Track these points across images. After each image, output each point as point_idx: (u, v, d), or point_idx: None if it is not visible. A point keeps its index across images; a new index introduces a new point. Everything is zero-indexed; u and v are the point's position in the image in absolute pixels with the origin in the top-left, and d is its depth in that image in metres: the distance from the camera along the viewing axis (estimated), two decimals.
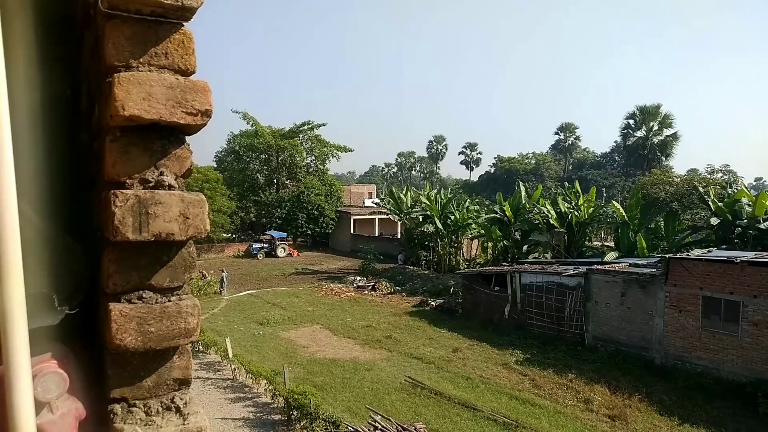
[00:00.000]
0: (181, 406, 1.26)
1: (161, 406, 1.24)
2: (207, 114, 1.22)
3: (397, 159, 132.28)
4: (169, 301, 1.22)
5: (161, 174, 1.20)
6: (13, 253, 0.93)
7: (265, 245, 42.96)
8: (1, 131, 0.94)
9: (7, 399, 0.92)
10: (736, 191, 26.08)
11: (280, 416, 13.10)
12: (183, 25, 1.26)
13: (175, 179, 1.22)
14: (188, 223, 1.19)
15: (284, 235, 44.56)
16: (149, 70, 1.18)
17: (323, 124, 53.84)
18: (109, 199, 1.12)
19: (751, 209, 22.70)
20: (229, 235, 47.12)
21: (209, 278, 30.67)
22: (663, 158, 68.92)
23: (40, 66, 1.51)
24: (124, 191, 1.13)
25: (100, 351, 1.31)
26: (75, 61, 2.00)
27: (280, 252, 42.36)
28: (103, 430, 1.23)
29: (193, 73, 1.27)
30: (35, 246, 1.27)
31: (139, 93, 1.14)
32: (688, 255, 18.35)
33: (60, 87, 1.95)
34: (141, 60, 1.19)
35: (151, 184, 1.18)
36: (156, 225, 1.14)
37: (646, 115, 69.33)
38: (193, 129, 1.25)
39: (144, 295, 1.19)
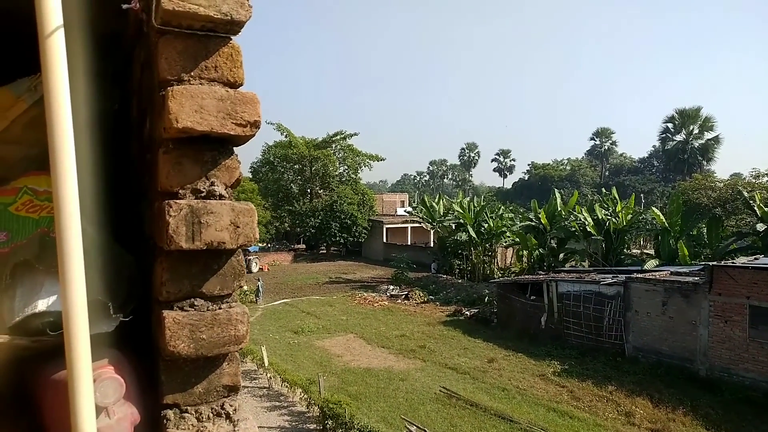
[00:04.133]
0: (231, 413, 1.27)
1: (212, 413, 1.26)
2: (256, 125, 1.25)
3: (428, 167, 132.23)
4: (220, 308, 1.24)
5: (212, 184, 1.23)
6: (76, 263, 0.96)
7: None
8: (64, 145, 0.98)
9: (70, 403, 0.95)
10: None
11: (315, 425, 13.16)
12: (231, 39, 1.29)
13: (225, 189, 1.25)
14: (238, 232, 1.21)
15: (256, 248, 42.86)
16: (200, 84, 1.22)
17: (355, 134, 54.34)
18: (163, 209, 1.15)
19: None
20: (264, 244, 47.82)
21: (245, 287, 31.15)
22: (704, 162, 66.73)
23: (92, 82, 1.57)
24: (177, 201, 1.16)
25: (152, 358, 1.34)
26: (123, 76, 2.07)
27: (253, 267, 39.69)
28: None
29: (242, 85, 1.30)
30: (90, 256, 1.31)
31: (192, 106, 1.17)
32: (733, 263, 17.68)
33: (109, 102, 2.02)
34: (192, 73, 1.23)
35: (202, 194, 1.21)
36: (208, 234, 1.17)
37: (685, 118, 67.34)
38: (242, 140, 1.27)
39: (195, 303, 1.22)
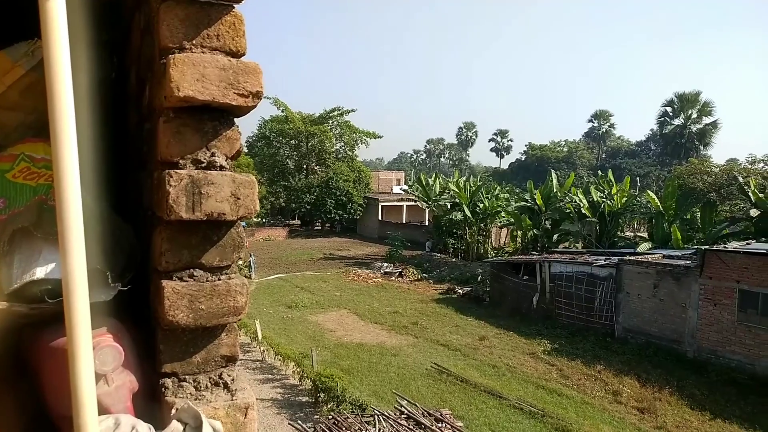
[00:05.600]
0: (229, 383, 1.29)
1: (210, 382, 1.27)
2: (258, 96, 1.23)
3: (426, 146, 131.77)
4: (219, 279, 1.24)
5: (213, 155, 1.21)
6: (76, 231, 0.96)
7: None
8: (65, 113, 0.96)
9: (70, 370, 0.96)
10: None
11: (307, 398, 13.34)
12: (234, 7, 1.27)
13: (225, 160, 1.24)
14: (239, 204, 1.20)
15: (244, 224, 42.63)
16: (202, 52, 1.20)
17: (353, 110, 53.91)
18: (163, 179, 1.14)
19: None
20: (259, 219, 47.79)
21: (240, 261, 31.19)
22: (701, 147, 66.78)
23: (91, 49, 1.54)
24: (178, 171, 1.15)
25: (150, 327, 1.35)
26: (120, 43, 2.04)
27: None
28: (154, 404, 1.27)
29: (244, 55, 1.28)
30: (89, 225, 1.30)
31: (194, 74, 1.15)
32: (725, 247, 17.83)
33: (106, 71, 1.99)
34: (194, 42, 1.20)
35: (203, 165, 1.20)
36: (208, 205, 1.16)
37: (684, 102, 67.15)
38: (243, 110, 1.26)
39: (195, 274, 1.22)
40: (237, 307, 1.25)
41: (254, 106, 1.25)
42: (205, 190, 1.16)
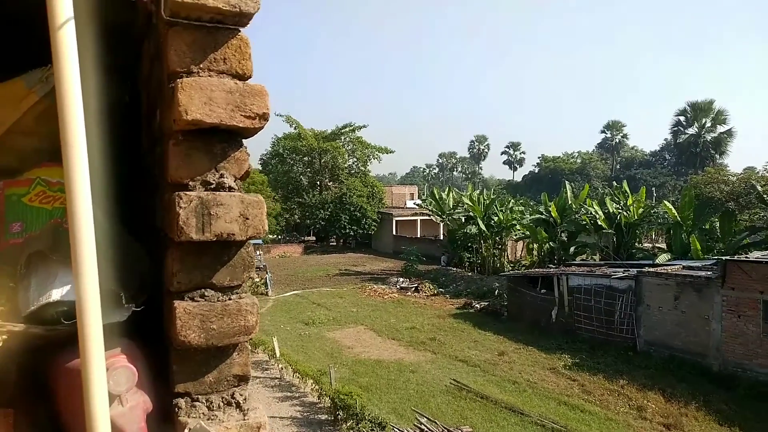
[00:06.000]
0: (241, 402, 1.29)
1: (222, 402, 1.28)
2: (264, 117, 1.25)
3: (438, 160, 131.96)
4: (230, 299, 1.25)
5: (221, 176, 1.24)
6: (89, 253, 0.98)
7: None
8: (76, 137, 0.99)
9: (84, 391, 0.97)
10: None
11: (326, 416, 13.25)
12: (240, 31, 1.29)
13: (234, 181, 1.26)
14: (248, 224, 1.22)
15: (258, 241, 39.24)
16: (209, 76, 1.22)
17: (364, 126, 54.23)
18: (173, 200, 1.16)
19: None
20: (275, 236, 48.06)
21: (257, 278, 31.32)
22: (717, 156, 65.89)
23: (102, 74, 1.58)
24: (187, 193, 1.17)
25: (163, 347, 1.36)
26: (133, 68, 2.09)
27: (257, 262, 37.18)
28: (167, 424, 1.27)
29: (250, 77, 1.31)
30: (103, 247, 1.33)
31: (201, 98, 1.18)
32: (746, 257, 17.49)
33: (118, 94, 2.04)
34: (201, 66, 1.23)
35: (212, 186, 1.22)
36: (218, 225, 1.18)
37: (698, 111, 66.47)
38: (251, 132, 1.28)
39: (206, 294, 1.23)
40: (248, 327, 1.26)
41: (261, 128, 1.27)
42: (214, 211, 1.18)
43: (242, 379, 1.32)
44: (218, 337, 1.22)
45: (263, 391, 14.87)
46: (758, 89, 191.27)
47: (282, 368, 16.03)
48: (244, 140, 1.34)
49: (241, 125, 1.22)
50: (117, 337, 1.25)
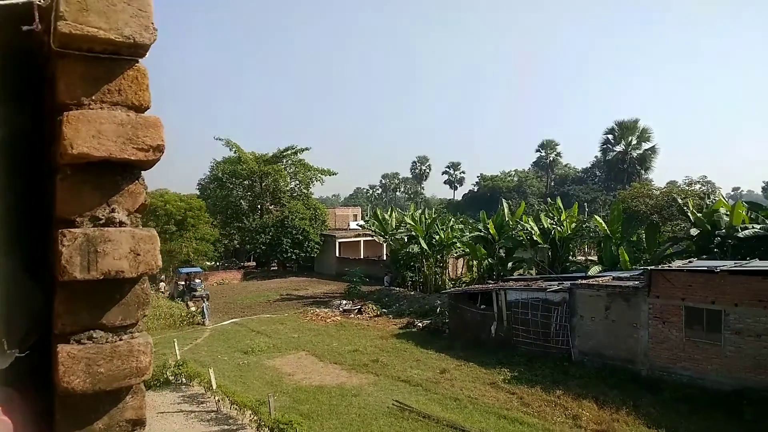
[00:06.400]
0: None
1: None
2: (159, 149, 1.22)
3: (381, 180, 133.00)
4: (121, 339, 1.20)
5: (113, 211, 1.19)
6: None
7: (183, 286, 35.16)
8: None
9: None
10: (714, 202, 26.58)
11: None
12: (138, 62, 1.27)
13: (127, 215, 1.21)
14: (139, 260, 1.18)
15: (198, 269, 38.03)
16: (101, 108, 1.19)
17: (307, 149, 54.05)
18: (56, 238, 1.11)
19: (728, 219, 23.11)
20: (213, 263, 46.64)
21: (193, 308, 30.18)
22: (643, 172, 70.26)
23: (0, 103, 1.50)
24: (72, 230, 1.12)
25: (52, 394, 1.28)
26: (38, 97, 1.99)
27: (200, 290, 33.56)
28: None
29: (148, 108, 1.28)
30: None
31: (89, 131, 1.14)
32: (669, 266, 18.54)
33: (20, 123, 1.93)
34: (93, 97, 1.19)
35: (101, 222, 1.17)
36: (105, 263, 1.13)
37: (624, 129, 70.81)
38: (146, 164, 1.25)
39: (94, 335, 1.17)
40: (140, 368, 1.21)
41: (157, 160, 1.24)
42: (101, 248, 1.13)
43: (137, 423, 1.26)
44: (107, 381, 1.16)
45: (198, 426, 14.24)
46: (679, 107, 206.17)
47: (219, 400, 15.41)
48: (143, 172, 1.31)
49: (133, 158, 1.19)
50: None
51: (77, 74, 1.19)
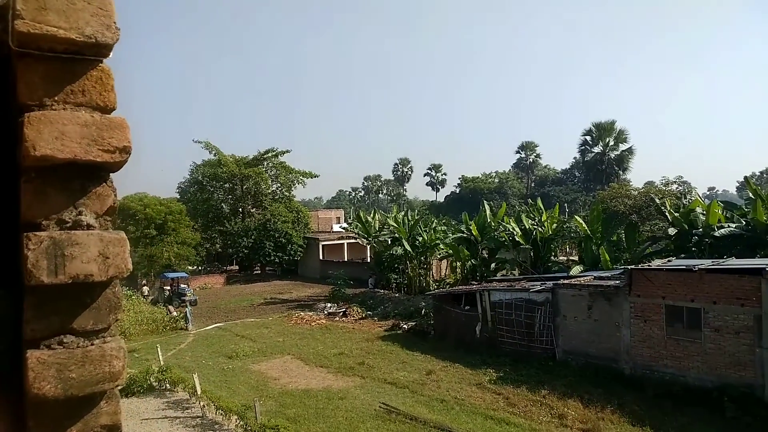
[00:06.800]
0: None
1: None
2: (126, 150, 1.20)
3: (363, 183, 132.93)
4: (92, 344, 1.17)
5: (80, 213, 1.16)
6: None
7: (167, 291, 34.58)
8: None
9: None
10: (690, 201, 27.05)
11: None
12: (102, 62, 1.24)
13: (95, 218, 1.19)
14: (108, 263, 1.15)
15: (184, 274, 37.36)
16: (64, 108, 1.16)
17: (288, 151, 53.93)
18: (22, 242, 1.08)
19: (705, 218, 23.54)
20: (195, 267, 46.17)
21: (174, 313, 29.85)
22: (620, 172, 71.23)
23: None
24: (37, 234, 1.09)
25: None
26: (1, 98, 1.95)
27: (189, 295, 33.32)
28: None
29: (114, 109, 1.25)
30: None
31: (51, 132, 1.11)
32: (649, 265, 18.82)
33: None
34: (56, 98, 1.17)
35: (68, 225, 1.14)
36: (73, 267, 1.11)
37: (602, 131, 71.71)
38: (113, 166, 1.22)
39: (65, 340, 1.15)
40: (114, 373, 1.18)
41: (124, 161, 1.21)
42: (69, 251, 1.10)
43: (112, 429, 1.23)
44: (79, 386, 1.13)
45: (184, 431, 14.07)
46: (654, 109, 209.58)
47: (204, 406, 15.25)
48: (111, 174, 1.28)
49: (99, 160, 1.16)
50: None
51: (38, 75, 1.16)
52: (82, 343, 1.16)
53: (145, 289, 37.44)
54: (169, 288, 34.82)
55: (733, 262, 17.13)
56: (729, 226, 22.59)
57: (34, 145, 1.08)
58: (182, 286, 34.70)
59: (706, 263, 17.13)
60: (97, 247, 1.14)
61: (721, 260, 18.01)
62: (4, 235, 1.79)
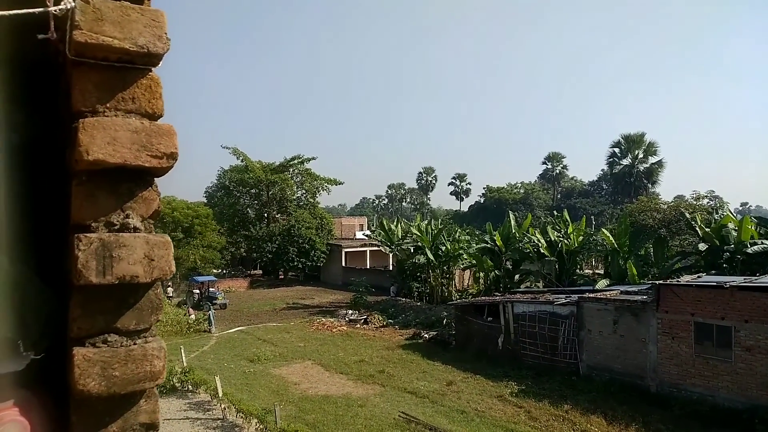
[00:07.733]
0: None
1: None
2: (173, 157, 1.24)
3: (387, 191, 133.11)
4: (135, 344, 1.21)
5: (127, 216, 1.21)
6: None
7: (195, 296, 35.11)
8: None
9: None
10: (722, 217, 26.39)
11: None
12: (151, 71, 1.29)
13: (141, 221, 1.23)
14: (153, 265, 1.19)
15: (212, 278, 37.99)
16: (116, 115, 1.21)
17: (313, 158, 54.37)
18: (72, 243, 1.13)
19: (737, 234, 22.93)
20: (220, 270, 46.78)
21: (193, 316, 30.18)
22: (649, 185, 69.98)
23: (15, 109, 1.53)
24: (88, 235, 1.14)
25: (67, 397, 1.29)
26: (53, 104, 2.02)
27: (221, 299, 34.56)
28: None
29: (161, 116, 1.30)
30: (3, 291, 1.27)
31: (104, 138, 1.15)
32: (678, 281, 18.39)
33: (35, 131, 1.96)
34: (108, 105, 1.22)
35: (116, 227, 1.19)
36: (120, 268, 1.15)
37: (631, 143, 70.60)
38: (159, 171, 1.26)
39: (109, 339, 1.18)
40: (154, 372, 1.22)
41: (170, 167, 1.25)
42: (116, 253, 1.14)
43: (150, 428, 1.26)
44: (121, 384, 1.17)
45: None
46: (685, 121, 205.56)
47: (225, 408, 15.40)
48: (156, 179, 1.32)
49: (147, 165, 1.20)
50: (12, 388, 1.18)
51: (92, 82, 1.21)
52: (125, 342, 1.20)
53: (170, 290, 38.04)
54: (198, 292, 35.36)
55: (767, 280, 16.63)
56: (763, 243, 21.96)
57: (88, 149, 1.13)
58: (212, 289, 35.24)
59: (738, 280, 16.67)
60: (143, 249, 1.18)
61: (754, 278, 17.50)
62: (49, 238, 1.86)
